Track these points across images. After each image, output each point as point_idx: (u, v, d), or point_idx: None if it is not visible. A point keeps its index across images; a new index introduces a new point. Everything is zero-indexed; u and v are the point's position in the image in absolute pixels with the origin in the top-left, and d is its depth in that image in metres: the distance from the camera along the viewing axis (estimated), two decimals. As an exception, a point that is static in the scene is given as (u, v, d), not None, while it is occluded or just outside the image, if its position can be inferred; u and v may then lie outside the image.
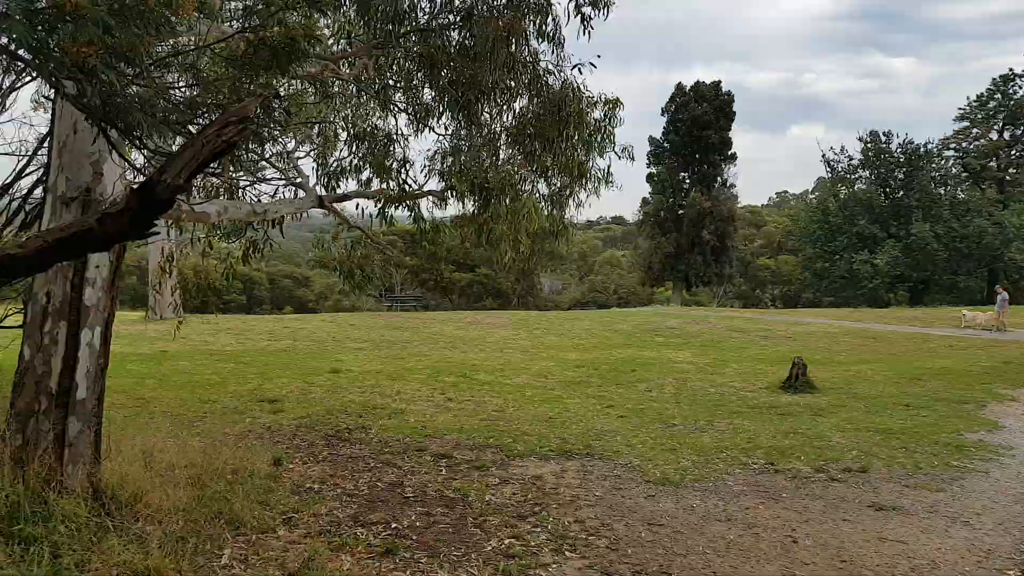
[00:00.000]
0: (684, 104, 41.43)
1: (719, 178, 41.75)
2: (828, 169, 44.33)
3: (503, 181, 5.91)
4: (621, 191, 8.67)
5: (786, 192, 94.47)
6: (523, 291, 63.22)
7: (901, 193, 40.63)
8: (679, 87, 42.33)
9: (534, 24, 6.29)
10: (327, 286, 60.66)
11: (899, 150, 41.02)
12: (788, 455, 7.44)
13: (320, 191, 6.92)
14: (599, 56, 6.60)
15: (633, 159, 8.11)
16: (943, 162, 41.64)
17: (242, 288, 63.53)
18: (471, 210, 6.84)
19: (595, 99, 7.80)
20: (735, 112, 41.94)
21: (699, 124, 40.51)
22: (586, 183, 8.00)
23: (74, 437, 4.05)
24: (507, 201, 6.24)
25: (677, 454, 7.42)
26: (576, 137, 6.59)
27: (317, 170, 7.43)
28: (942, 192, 40.43)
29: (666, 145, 42.52)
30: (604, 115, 7.79)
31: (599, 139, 7.77)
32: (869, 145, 41.93)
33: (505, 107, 6.01)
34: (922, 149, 40.48)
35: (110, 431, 6.55)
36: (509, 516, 5.30)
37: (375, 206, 7.52)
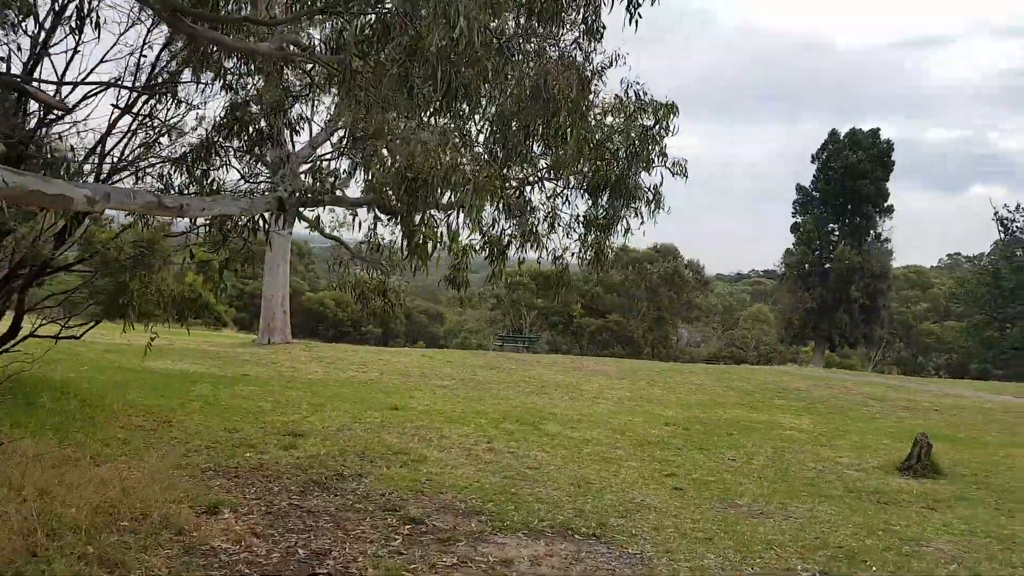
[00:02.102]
0: (837, 151, 38.39)
1: (872, 232, 38.11)
2: (1001, 228, 39.37)
3: (433, 173, 4.75)
4: (671, 215, 7.06)
5: (959, 254, 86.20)
6: (655, 340, 60.88)
7: (1088, 258, 35.30)
8: (832, 133, 39.36)
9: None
10: (456, 323, 61.22)
11: (1086, 210, 35.74)
12: (858, 562, 5.70)
13: (286, 193, 6.09)
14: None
15: (687, 176, 6.75)
16: None
17: (379, 321, 65.60)
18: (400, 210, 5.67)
19: (644, 103, 6.58)
20: (894, 162, 38.38)
21: (853, 173, 37.24)
22: (630, 202, 6.71)
23: None
24: (442, 195, 5.06)
25: (710, 546, 5.87)
26: (569, 127, 5.32)
27: (305, 175, 6.65)
28: None
29: (815, 194, 39.50)
30: (656, 122, 6.53)
31: (646, 150, 6.50)
32: (1051, 204, 36.85)
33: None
34: (1113, 209, 35.03)
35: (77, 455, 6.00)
36: (424, 615, 4.11)
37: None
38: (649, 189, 6.55)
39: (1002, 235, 39.83)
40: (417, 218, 5.38)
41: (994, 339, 37.03)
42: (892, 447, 12.71)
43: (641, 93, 6.50)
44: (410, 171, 4.89)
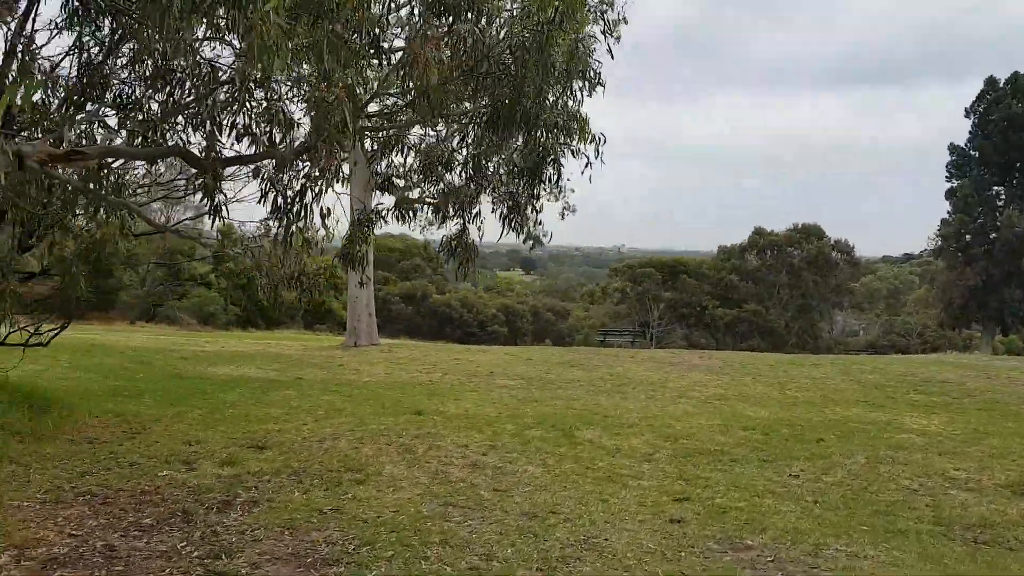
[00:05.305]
0: (997, 101, 33.12)
1: (1048, 192, 32.59)
2: None
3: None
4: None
5: None
6: (801, 330, 56.24)
7: None
8: (990, 81, 34.02)
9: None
10: (580, 319, 59.47)
11: None
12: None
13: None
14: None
15: (603, 85, 4.81)
16: None
17: (504, 320, 65.03)
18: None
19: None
20: (1072, 108, 32.57)
21: (1018, 124, 31.95)
22: (537, 132, 4.86)
23: None
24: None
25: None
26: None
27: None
28: None
29: (973, 153, 34.31)
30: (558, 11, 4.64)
31: (544, 51, 4.61)
32: None
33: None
34: None
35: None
36: None
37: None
38: (564, 113, 4.68)
39: None
40: None
41: None
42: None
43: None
44: None
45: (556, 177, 5.15)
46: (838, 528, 6.15)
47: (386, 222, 5.73)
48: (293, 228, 4.79)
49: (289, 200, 4.46)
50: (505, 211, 5.40)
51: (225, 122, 4.46)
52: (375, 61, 4.43)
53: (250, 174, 4.89)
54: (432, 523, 5.63)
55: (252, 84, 4.19)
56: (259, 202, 4.87)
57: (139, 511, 5.64)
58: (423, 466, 7.69)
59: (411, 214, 5.41)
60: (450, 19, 4.60)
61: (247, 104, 4.29)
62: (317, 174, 4.26)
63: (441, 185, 5.30)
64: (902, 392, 17.16)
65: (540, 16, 4.41)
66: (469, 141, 5.12)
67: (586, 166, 5.13)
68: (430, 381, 16.12)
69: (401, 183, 5.39)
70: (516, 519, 5.86)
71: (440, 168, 5.31)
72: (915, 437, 11.45)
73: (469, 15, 4.38)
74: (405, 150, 5.28)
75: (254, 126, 4.46)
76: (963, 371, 20.49)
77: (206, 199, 4.90)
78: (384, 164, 5.48)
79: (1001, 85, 33.09)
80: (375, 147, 5.46)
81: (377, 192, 5.86)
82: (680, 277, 54.40)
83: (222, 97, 4.25)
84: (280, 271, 6.21)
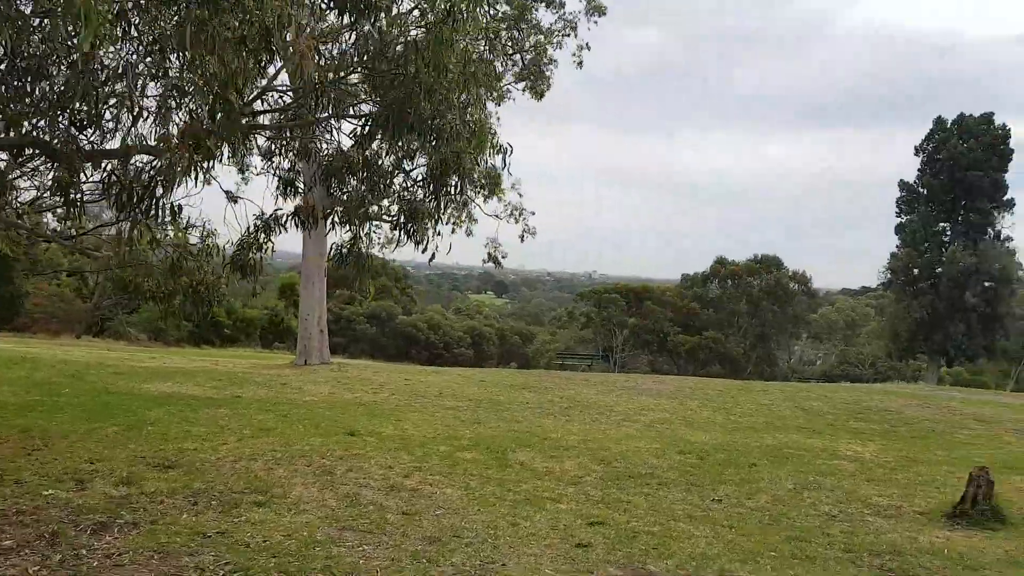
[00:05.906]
0: (944, 141, 34.06)
1: (990, 230, 33.41)
2: None
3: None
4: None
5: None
6: (759, 358, 56.87)
7: None
8: (938, 121, 35.00)
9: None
10: (543, 343, 59.40)
11: None
12: None
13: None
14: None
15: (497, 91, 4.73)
16: None
17: (470, 342, 64.45)
18: None
19: None
20: (1012, 149, 33.62)
21: (963, 164, 32.86)
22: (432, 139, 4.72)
23: None
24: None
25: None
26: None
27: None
28: None
29: (921, 190, 35.17)
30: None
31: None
32: None
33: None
34: None
35: None
36: None
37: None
38: (467, 122, 4.53)
39: None
40: None
41: None
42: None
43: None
44: None
45: (461, 187, 5.06)
46: (747, 554, 6.08)
47: (285, 229, 5.59)
48: (139, 226, 4.60)
49: (137, 195, 4.29)
50: (402, 220, 5.26)
51: (85, 109, 4.28)
52: (262, 56, 4.31)
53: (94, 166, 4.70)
54: (321, 548, 5.42)
55: (99, 69, 4.03)
56: (101, 197, 4.67)
57: (3, 532, 5.33)
58: (336, 488, 7.46)
59: (312, 221, 5.27)
60: (353, 17, 4.52)
61: (94, 90, 4.11)
62: (166, 166, 4.11)
63: (342, 192, 5.20)
64: (843, 419, 17.30)
65: (432, 15, 4.32)
66: (366, 146, 5.01)
67: (496, 175, 5.06)
68: (374, 401, 15.82)
69: (302, 188, 5.28)
70: (415, 544, 5.68)
71: (344, 172, 5.19)
72: (846, 463, 11.51)
73: (377, 13, 4.28)
74: (306, 152, 5.18)
75: (103, 113, 4.28)
76: (904, 400, 20.76)
77: (59, 195, 4.67)
78: (286, 167, 5.37)
79: (948, 125, 34.15)
80: (273, 148, 5.36)
81: (280, 196, 5.76)
82: (645, 303, 54.72)
83: (67, 82, 4.07)
84: (173, 281, 5.98)
